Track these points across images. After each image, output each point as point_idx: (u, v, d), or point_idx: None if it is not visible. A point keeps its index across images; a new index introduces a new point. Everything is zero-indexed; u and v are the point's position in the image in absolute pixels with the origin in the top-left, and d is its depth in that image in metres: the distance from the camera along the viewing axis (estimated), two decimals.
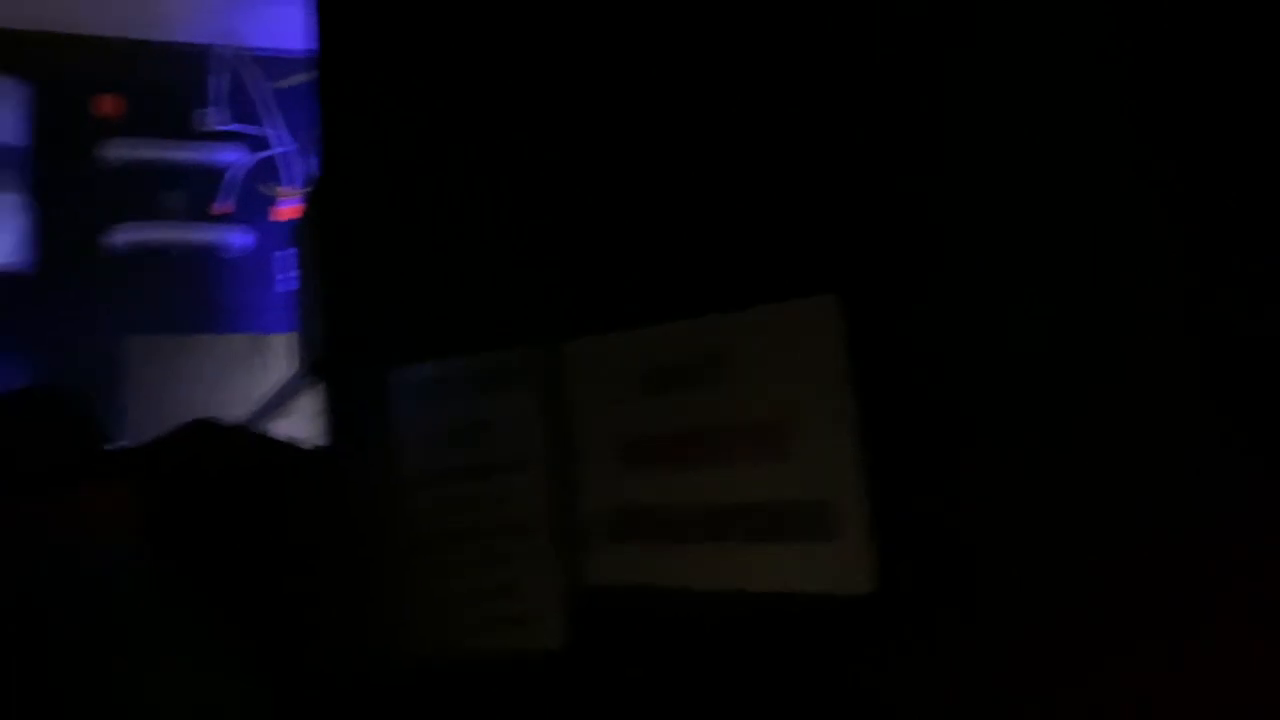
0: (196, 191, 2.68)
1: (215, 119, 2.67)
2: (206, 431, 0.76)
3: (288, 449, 0.80)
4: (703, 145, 0.55)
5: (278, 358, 2.47)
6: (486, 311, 0.69)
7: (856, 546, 0.47)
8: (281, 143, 2.70)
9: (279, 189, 2.69)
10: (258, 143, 2.71)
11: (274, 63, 2.70)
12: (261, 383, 2.37)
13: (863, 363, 0.48)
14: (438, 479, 0.72)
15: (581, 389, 0.63)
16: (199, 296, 2.66)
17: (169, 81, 2.67)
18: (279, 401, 1.40)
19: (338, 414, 0.84)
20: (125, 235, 2.60)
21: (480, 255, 0.70)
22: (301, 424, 1.31)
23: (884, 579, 0.46)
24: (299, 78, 2.64)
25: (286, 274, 2.59)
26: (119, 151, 2.65)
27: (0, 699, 0.55)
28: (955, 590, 0.45)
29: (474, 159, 0.71)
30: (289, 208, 2.70)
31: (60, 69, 2.64)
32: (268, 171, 2.73)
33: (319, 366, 1.05)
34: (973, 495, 0.44)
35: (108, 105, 2.66)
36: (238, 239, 2.65)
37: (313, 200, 1.25)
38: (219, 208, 2.67)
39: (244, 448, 0.78)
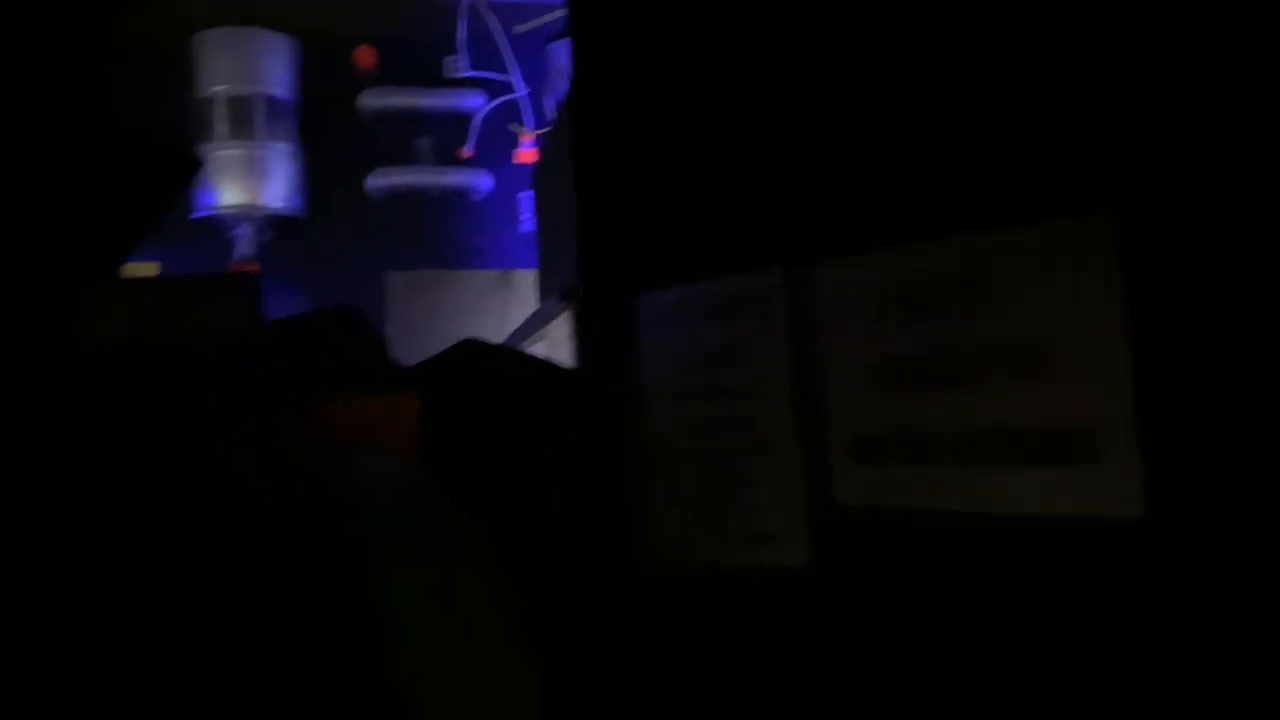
0: (444, 137, 2.83)
1: (460, 66, 2.80)
2: (476, 350, 0.81)
3: (548, 367, 0.84)
4: (967, 48, 0.53)
5: (523, 290, 2.60)
6: (734, 235, 0.70)
7: (1125, 469, 0.46)
8: (519, 88, 2.80)
9: (520, 131, 2.80)
10: (498, 88, 2.82)
11: (511, 9, 2.79)
12: (509, 314, 2.51)
13: (1137, 283, 0.46)
14: (685, 400, 0.74)
15: (830, 310, 0.63)
16: (450, 235, 2.82)
17: (417, 32, 2.81)
18: (532, 328, 1.48)
19: (588, 338, 0.88)
20: (382, 180, 2.78)
21: (728, 179, 0.71)
22: (553, 349, 1.38)
23: (1153, 503, 0.45)
24: (535, 23, 2.72)
25: (527, 214, 2.71)
26: (374, 101, 2.82)
27: (296, 581, 0.62)
28: (1230, 518, 0.43)
29: (720, 83, 0.71)
30: (528, 150, 2.80)
31: (321, 25, 2.83)
32: (508, 116, 2.83)
33: (570, 293, 1.10)
34: (1256, 425, 0.42)
35: (364, 58, 2.83)
36: (482, 181, 2.78)
37: (562, 133, 1.30)
38: (465, 152, 2.80)
39: (510, 365, 0.83)
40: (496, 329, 2.20)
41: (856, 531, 0.61)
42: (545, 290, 1.58)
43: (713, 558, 0.71)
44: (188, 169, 0.80)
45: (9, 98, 0.64)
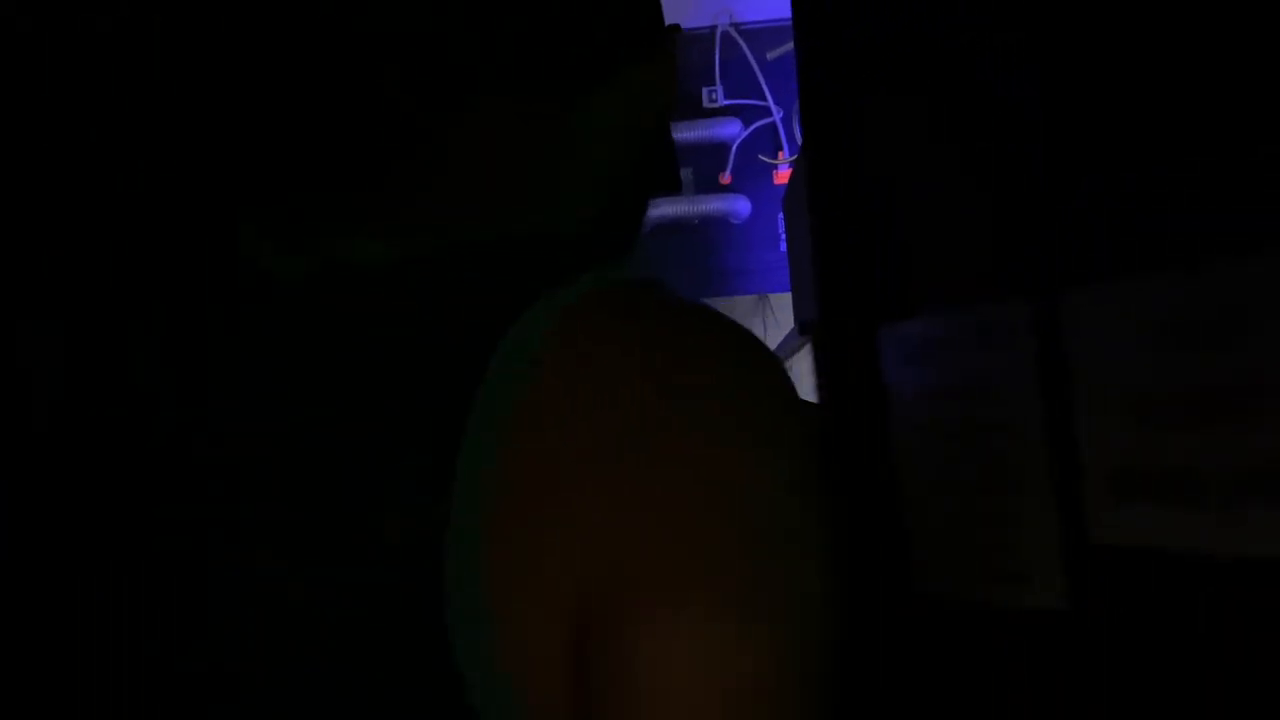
0: (705, 165, 2.90)
1: (717, 96, 2.87)
2: None
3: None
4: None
5: (782, 315, 2.61)
6: (976, 264, 0.68)
7: None
8: (774, 112, 2.82)
9: (778, 155, 2.82)
10: (755, 113, 2.86)
11: (763, 34, 2.83)
12: (769, 340, 2.53)
13: None
14: (931, 435, 0.72)
15: (1083, 341, 0.59)
16: (712, 260, 2.88)
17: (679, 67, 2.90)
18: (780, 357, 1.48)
19: (828, 370, 0.88)
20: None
21: (969, 204, 0.68)
22: (799, 381, 1.38)
23: None
24: (786, 48, 2.74)
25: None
26: None
27: None
28: None
29: (954, 103, 0.69)
30: (784, 172, 2.82)
31: None
32: (765, 139, 2.87)
33: (807, 326, 1.10)
34: None
35: None
36: (741, 206, 2.83)
37: (800, 163, 1.30)
38: (724, 178, 2.86)
39: None
40: None
41: (1114, 575, 0.57)
42: (799, 314, 1.58)
43: (962, 595, 0.68)
44: None
45: None
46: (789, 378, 0.66)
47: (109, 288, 0.59)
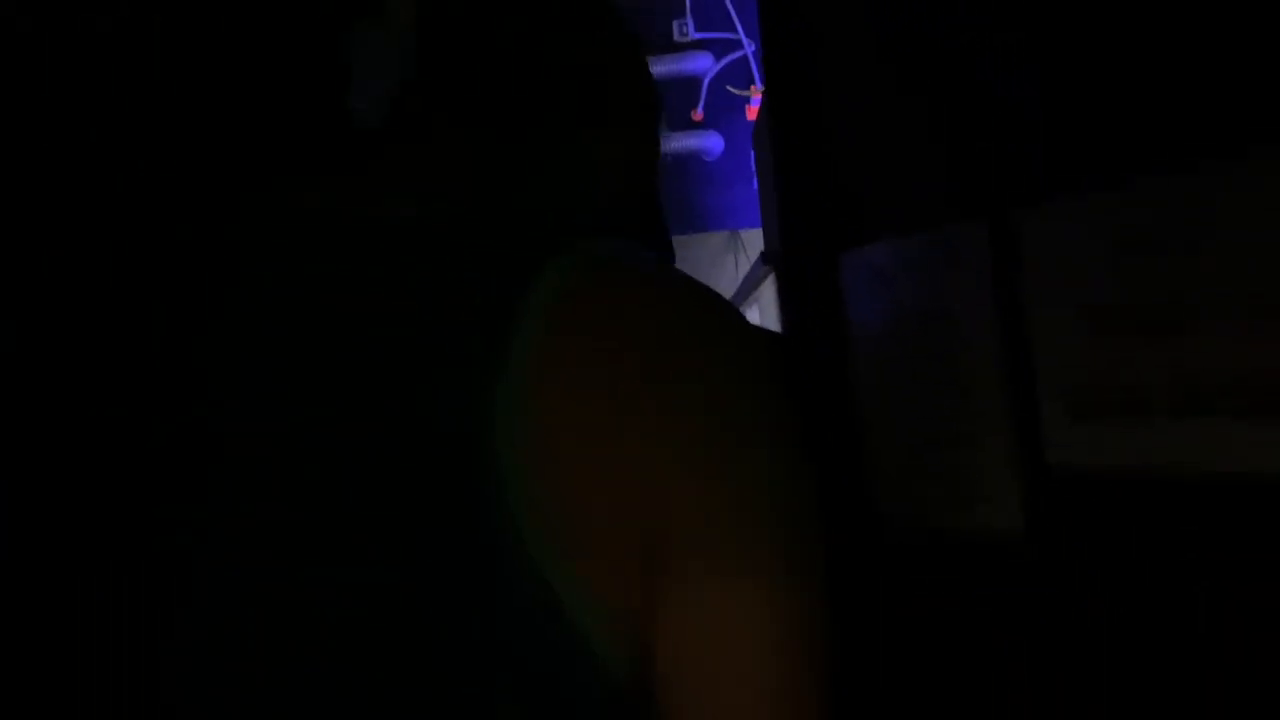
0: (676, 102, 2.86)
1: (687, 29, 2.82)
2: None
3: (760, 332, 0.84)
4: None
5: (754, 252, 2.60)
6: (934, 187, 0.68)
7: None
8: (745, 45, 2.78)
9: (751, 89, 2.79)
10: (726, 48, 2.82)
11: None
12: (738, 276, 2.52)
13: None
14: (893, 360, 0.72)
15: (1038, 261, 0.59)
16: (685, 199, 2.86)
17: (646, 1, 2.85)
18: (745, 291, 1.47)
19: (792, 300, 0.88)
20: None
21: (926, 126, 0.68)
22: (764, 312, 1.38)
23: None
24: None
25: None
26: None
27: None
28: None
29: (914, 29, 0.69)
30: (757, 106, 2.80)
31: None
32: (737, 74, 2.83)
33: (771, 257, 1.10)
34: None
35: None
36: (713, 143, 2.80)
37: (764, 94, 1.29)
38: (696, 115, 2.83)
39: None
40: (727, 291, 2.22)
41: (1073, 493, 0.58)
42: (768, 246, 1.58)
43: (922, 519, 0.69)
44: None
45: None
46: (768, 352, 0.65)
47: (109, 287, 0.59)
